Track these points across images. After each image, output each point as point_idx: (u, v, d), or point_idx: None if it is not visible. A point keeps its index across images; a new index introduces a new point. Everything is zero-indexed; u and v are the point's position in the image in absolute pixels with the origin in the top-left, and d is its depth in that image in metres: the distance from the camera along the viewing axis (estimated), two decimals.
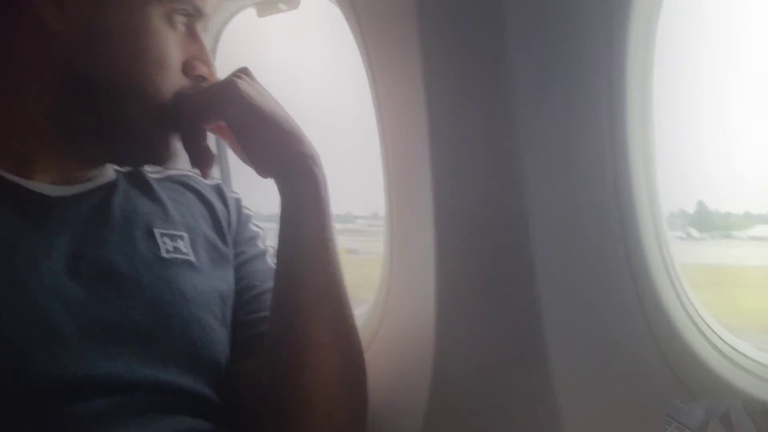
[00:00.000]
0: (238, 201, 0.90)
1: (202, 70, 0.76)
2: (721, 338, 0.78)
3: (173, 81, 0.74)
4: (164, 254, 0.75)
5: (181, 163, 0.80)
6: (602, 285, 0.78)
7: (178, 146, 0.77)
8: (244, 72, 0.76)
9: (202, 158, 0.75)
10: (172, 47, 0.73)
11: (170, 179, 0.85)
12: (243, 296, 0.82)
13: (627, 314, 0.77)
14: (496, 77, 0.78)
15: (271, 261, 0.84)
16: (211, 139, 0.81)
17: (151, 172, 0.85)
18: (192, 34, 0.76)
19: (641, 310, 0.76)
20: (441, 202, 0.82)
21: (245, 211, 0.90)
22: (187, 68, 0.76)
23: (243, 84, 0.73)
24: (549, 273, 0.77)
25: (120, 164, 0.80)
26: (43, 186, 0.72)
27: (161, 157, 0.77)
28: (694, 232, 1.45)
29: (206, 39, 0.82)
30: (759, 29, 0.96)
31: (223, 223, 0.85)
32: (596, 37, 0.74)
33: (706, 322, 0.78)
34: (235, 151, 0.79)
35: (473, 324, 0.82)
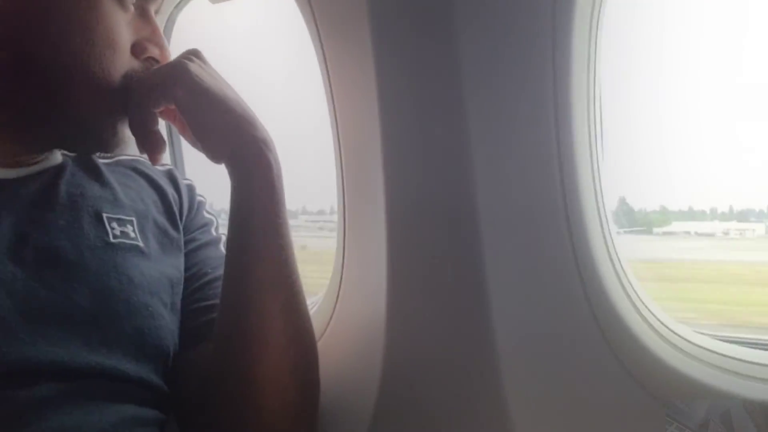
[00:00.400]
0: (190, 187, 0.88)
1: (153, 52, 0.74)
2: (664, 324, 0.81)
3: (122, 63, 0.71)
4: (112, 239, 0.73)
5: (132, 148, 0.77)
6: (550, 280, 0.80)
7: (126, 132, 0.74)
8: (194, 54, 0.73)
9: (151, 144, 0.72)
10: (121, 28, 0.71)
11: (120, 164, 0.83)
12: (193, 283, 0.80)
13: (574, 306, 0.79)
14: (446, 75, 0.79)
15: (224, 248, 0.82)
16: (162, 126, 0.79)
17: (100, 156, 0.82)
18: (144, 15, 0.74)
19: (588, 301, 0.79)
20: (393, 198, 0.83)
21: (198, 198, 0.88)
22: (137, 50, 0.73)
23: (193, 66, 0.71)
24: (498, 268, 0.79)
25: (67, 149, 0.77)
26: None
27: (108, 143, 0.73)
28: (614, 228, 1.52)
29: (160, 21, 0.80)
30: (695, 26, 1.01)
31: (175, 208, 0.83)
32: (542, 31, 0.76)
33: (649, 310, 0.82)
34: (184, 136, 0.77)
35: (423, 318, 0.83)
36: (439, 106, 0.80)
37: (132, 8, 0.72)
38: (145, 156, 0.74)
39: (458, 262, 0.81)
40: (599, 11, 0.78)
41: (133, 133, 0.73)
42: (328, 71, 0.88)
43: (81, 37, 0.68)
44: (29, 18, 0.67)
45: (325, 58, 0.88)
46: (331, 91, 0.89)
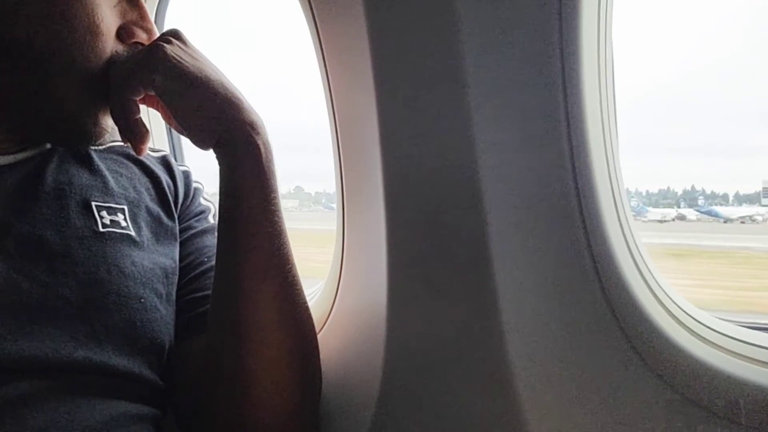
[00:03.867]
0: (186, 174, 0.82)
1: (141, 36, 0.69)
2: (683, 310, 0.73)
3: (105, 48, 0.65)
4: (101, 228, 0.68)
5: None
6: (559, 258, 0.72)
7: (108, 122, 0.69)
8: (173, 35, 0.67)
9: (133, 133, 0.67)
10: (105, 12, 0.65)
11: (112, 150, 0.77)
12: (189, 273, 0.75)
13: (588, 295, 0.71)
14: (447, 55, 0.71)
15: None
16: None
17: None
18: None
19: (602, 290, 0.70)
20: (393, 184, 0.75)
21: (195, 184, 0.82)
22: (124, 34, 0.68)
23: (171, 48, 0.65)
24: (504, 255, 0.71)
25: (47, 140, 0.71)
26: None
27: (88, 134, 0.68)
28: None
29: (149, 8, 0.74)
30: None
31: (169, 196, 0.77)
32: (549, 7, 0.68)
33: (668, 296, 0.73)
34: (169, 123, 0.72)
35: (426, 306, 0.76)
36: (439, 86, 0.72)
37: None
38: (129, 145, 0.69)
39: (462, 249, 0.73)
40: None
41: (115, 123, 0.68)
42: (324, 59, 0.81)
43: (60, 20, 0.63)
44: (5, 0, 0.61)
45: (321, 47, 0.81)
46: (329, 82, 0.81)
